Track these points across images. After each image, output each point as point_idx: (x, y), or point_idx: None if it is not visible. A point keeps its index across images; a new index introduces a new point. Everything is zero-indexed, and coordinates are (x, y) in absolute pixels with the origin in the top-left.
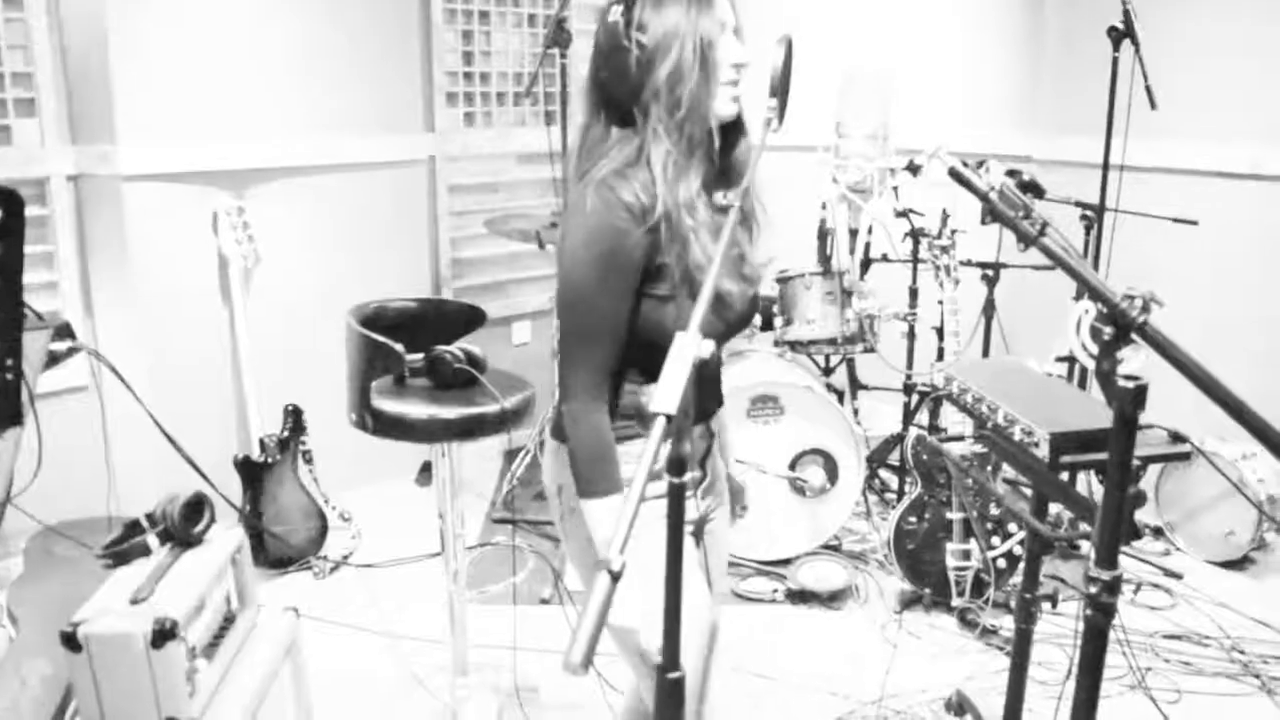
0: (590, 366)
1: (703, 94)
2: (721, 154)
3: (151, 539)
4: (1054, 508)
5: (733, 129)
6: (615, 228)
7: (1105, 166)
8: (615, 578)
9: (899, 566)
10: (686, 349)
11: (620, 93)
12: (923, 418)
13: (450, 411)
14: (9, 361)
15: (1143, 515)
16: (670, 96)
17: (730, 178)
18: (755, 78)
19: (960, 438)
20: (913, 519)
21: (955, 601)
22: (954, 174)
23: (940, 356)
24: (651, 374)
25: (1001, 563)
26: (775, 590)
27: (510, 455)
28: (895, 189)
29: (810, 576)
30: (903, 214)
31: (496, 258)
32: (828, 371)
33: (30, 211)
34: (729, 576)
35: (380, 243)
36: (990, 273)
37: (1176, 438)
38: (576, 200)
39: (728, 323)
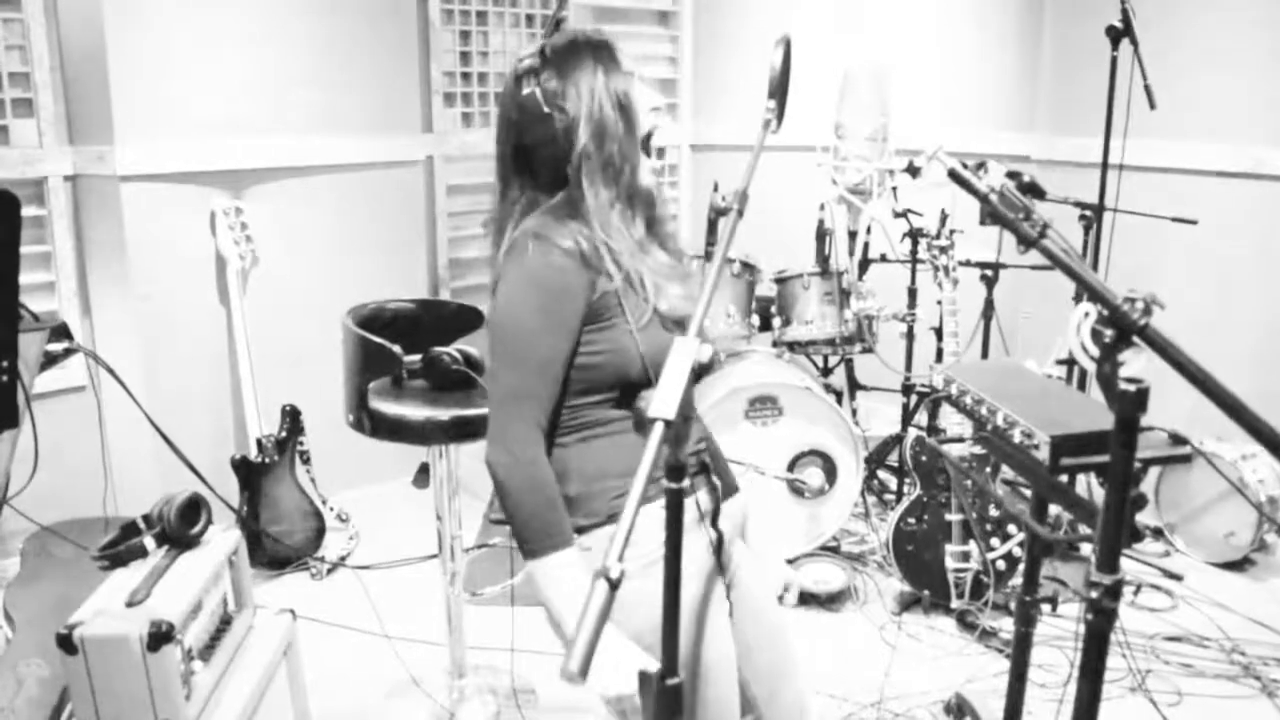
0: (531, 405)
1: (630, 146)
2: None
3: (148, 540)
4: (1053, 509)
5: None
6: (558, 266)
7: (1104, 166)
8: (614, 586)
9: (898, 568)
10: (685, 353)
11: (545, 159)
12: (921, 419)
13: (448, 412)
14: (5, 363)
15: (1143, 517)
16: (601, 154)
17: (652, 224)
18: (755, 80)
19: (959, 439)
20: (912, 520)
21: (954, 603)
22: (953, 176)
23: (939, 357)
24: (628, 399)
25: (1001, 564)
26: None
27: None
28: (894, 190)
29: (809, 578)
30: (901, 214)
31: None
32: (826, 372)
33: (28, 212)
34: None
35: (378, 243)
36: (989, 273)
37: (1177, 439)
38: (514, 250)
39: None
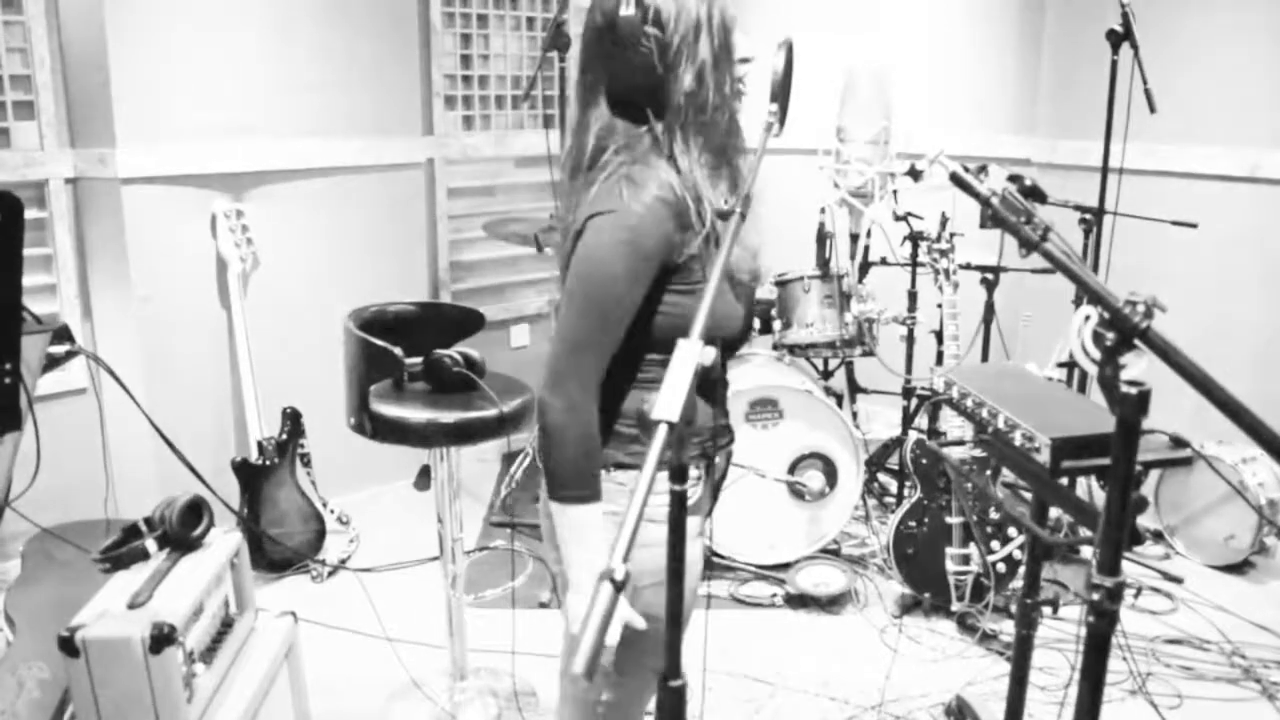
0: (599, 356)
1: (726, 94)
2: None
3: (150, 543)
4: (1054, 511)
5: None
6: (652, 218)
7: (1104, 170)
8: (619, 587)
9: (898, 571)
10: (689, 356)
11: (634, 90)
12: (922, 422)
13: (448, 415)
14: (7, 365)
15: (1143, 519)
16: (697, 98)
17: (734, 180)
18: (756, 82)
19: (960, 442)
20: (912, 523)
21: (955, 606)
22: (955, 179)
23: (939, 360)
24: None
25: (1001, 567)
26: (774, 595)
27: (509, 459)
28: (895, 193)
29: (809, 581)
30: (902, 217)
31: (495, 261)
32: (827, 375)
33: (29, 214)
34: (729, 582)
35: (379, 246)
36: (990, 276)
37: (1177, 442)
38: (605, 193)
39: (731, 332)
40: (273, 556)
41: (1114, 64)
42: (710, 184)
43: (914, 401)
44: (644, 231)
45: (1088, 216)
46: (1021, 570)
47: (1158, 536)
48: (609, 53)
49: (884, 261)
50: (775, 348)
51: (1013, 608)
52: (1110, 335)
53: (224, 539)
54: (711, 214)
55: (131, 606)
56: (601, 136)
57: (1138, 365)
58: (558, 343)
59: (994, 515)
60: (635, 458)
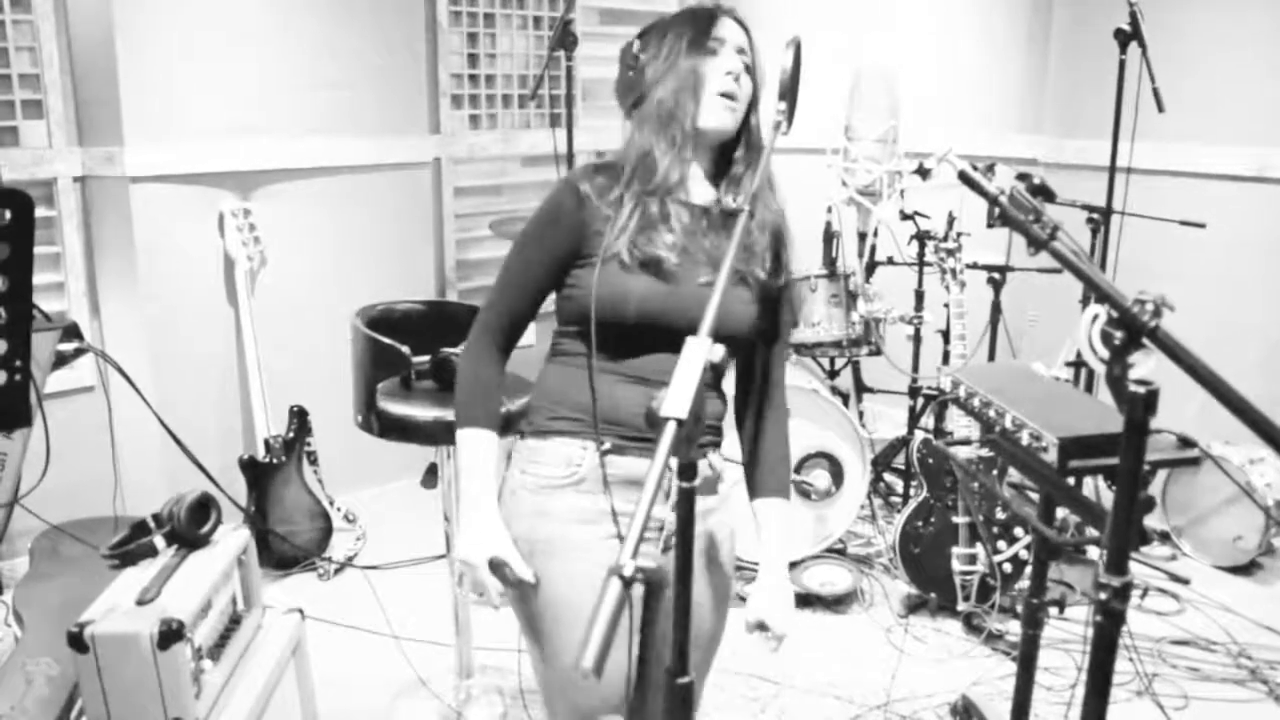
0: (489, 315)
1: (684, 101)
2: (723, 163)
3: (158, 539)
4: (1060, 511)
5: (734, 143)
6: (556, 199)
7: (1112, 169)
8: (627, 583)
9: (904, 570)
10: (696, 353)
11: (622, 100)
12: (928, 421)
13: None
14: (18, 362)
15: (1150, 520)
16: (651, 101)
17: (739, 187)
18: (765, 81)
19: (967, 441)
20: (918, 523)
21: (961, 606)
22: (963, 177)
23: (946, 359)
24: (592, 342)
25: (1008, 567)
26: None
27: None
28: (902, 191)
29: (815, 580)
30: (909, 216)
31: (502, 260)
32: (833, 374)
33: (38, 213)
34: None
35: (386, 245)
36: (997, 275)
37: (1185, 442)
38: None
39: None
40: (280, 554)
41: (1122, 63)
42: (650, 174)
43: (920, 401)
44: (544, 207)
45: (1095, 216)
46: (1028, 570)
47: (1165, 537)
48: (619, 75)
49: (891, 261)
50: None
51: (1019, 608)
52: (1118, 334)
53: (232, 536)
54: (623, 205)
55: (140, 603)
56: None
57: (1146, 364)
58: None
59: (1000, 515)
60: (528, 427)
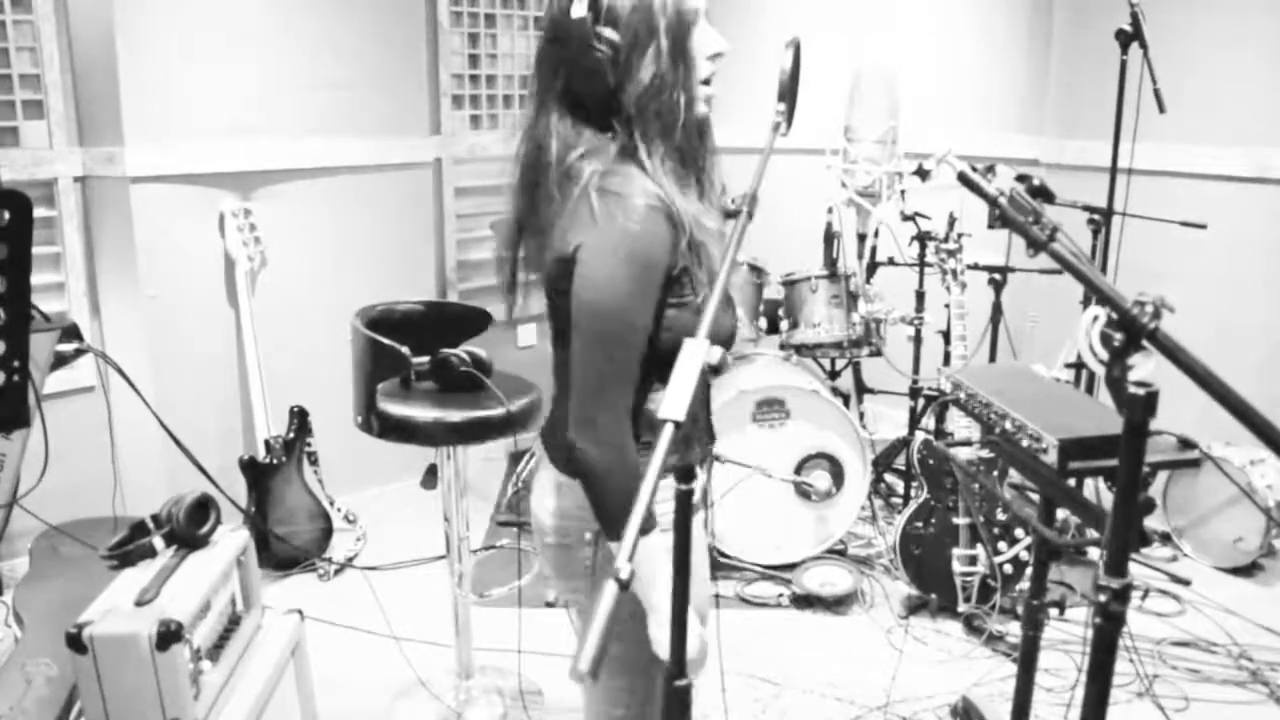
0: (624, 385)
1: (689, 97)
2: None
3: (157, 540)
4: (1061, 513)
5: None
6: (648, 230)
7: (1113, 170)
8: (624, 586)
9: (905, 571)
10: (695, 355)
11: (592, 94)
12: (929, 422)
13: (456, 414)
14: (16, 363)
15: (1150, 521)
16: (654, 105)
17: (702, 185)
18: (764, 82)
19: (967, 443)
20: (919, 524)
21: (961, 607)
22: (963, 179)
23: (947, 360)
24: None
25: (1008, 568)
26: (780, 595)
27: (515, 458)
28: (902, 192)
29: (815, 581)
30: (909, 217)
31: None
32: (834, 375)
33: (38, 213)
34: (735, 582)
35: (386, 245)
36: (998, 276)
37: (1185, 444)
38: (584, 214)
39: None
40: (279, 554)
41: (1123, 64)
42: (679, 190)
43: (921, 402)
44: (642, 243)
45: (1096, 217)
46: (1028, 571)
47: (1165, 538)
48: (561, 55)
49: (891, 261)
50: (782, 348)
51: (1019, 609)
52: (1118, 336)
53: (231, 537)
54: (690, 220)
55: (139, 603)
56: (563, 144)
57: (1146, 366)
58: (577, 380)
59: (1001, 516)
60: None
